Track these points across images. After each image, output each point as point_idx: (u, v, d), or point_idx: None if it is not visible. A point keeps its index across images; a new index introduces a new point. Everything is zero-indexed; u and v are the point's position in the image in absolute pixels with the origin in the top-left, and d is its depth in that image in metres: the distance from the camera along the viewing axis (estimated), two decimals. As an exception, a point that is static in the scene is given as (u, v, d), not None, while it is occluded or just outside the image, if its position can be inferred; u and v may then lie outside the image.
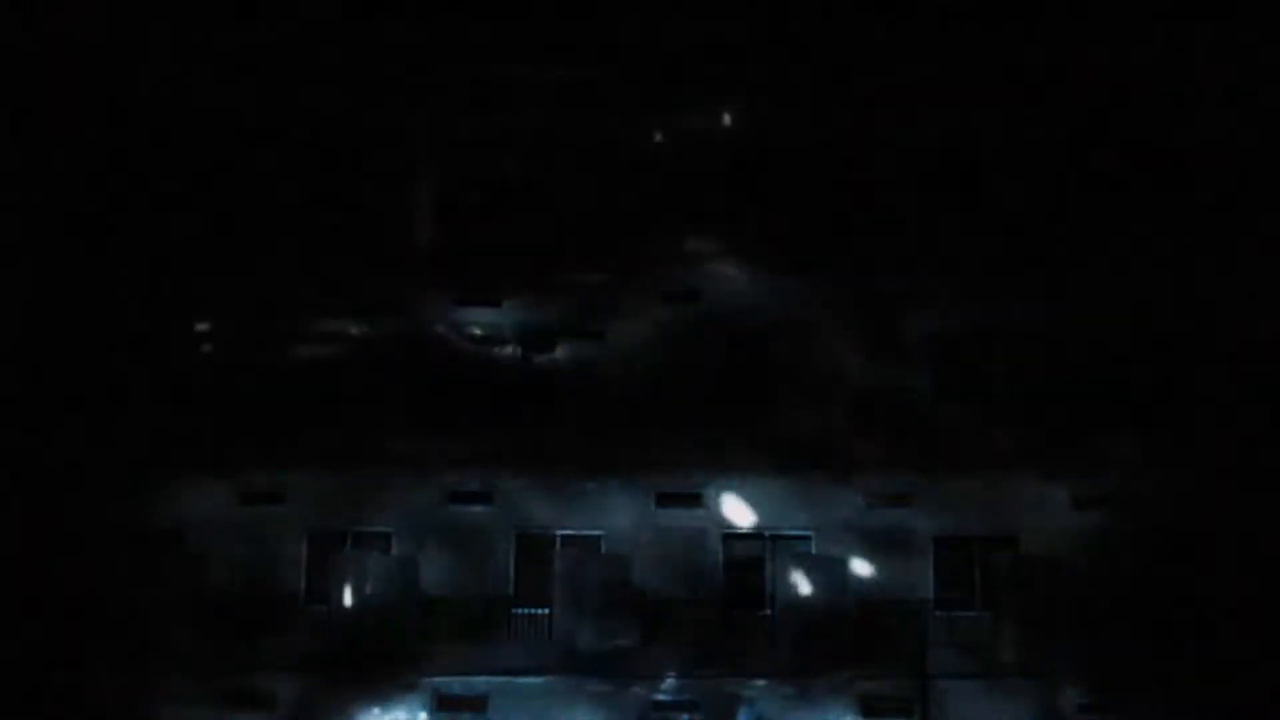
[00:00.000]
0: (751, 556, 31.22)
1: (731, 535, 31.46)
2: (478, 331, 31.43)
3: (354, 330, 31.39)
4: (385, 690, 28.87)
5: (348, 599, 28.09)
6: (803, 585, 30.46)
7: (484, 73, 31.79)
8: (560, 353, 31.94)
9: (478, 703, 29.22)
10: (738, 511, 31.17)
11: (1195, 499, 30.12)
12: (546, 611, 28.71)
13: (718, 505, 31.34)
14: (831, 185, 31.91)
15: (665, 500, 31.42)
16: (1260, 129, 31.38)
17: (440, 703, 28.71)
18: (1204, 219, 31.22)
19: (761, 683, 29.38)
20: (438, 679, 28.36)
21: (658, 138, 32.36)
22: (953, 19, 31.86)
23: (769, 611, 31.09)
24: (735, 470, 31.18)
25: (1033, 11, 31.51)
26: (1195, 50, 30.73)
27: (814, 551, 31.18)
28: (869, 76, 31.59)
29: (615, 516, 31.21)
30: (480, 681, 29.38)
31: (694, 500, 31.33)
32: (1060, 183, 31.56)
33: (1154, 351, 31.16)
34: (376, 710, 29.29)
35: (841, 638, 29.88)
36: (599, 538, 31.39)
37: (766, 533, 31.57)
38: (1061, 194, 31.85)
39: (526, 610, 28.95)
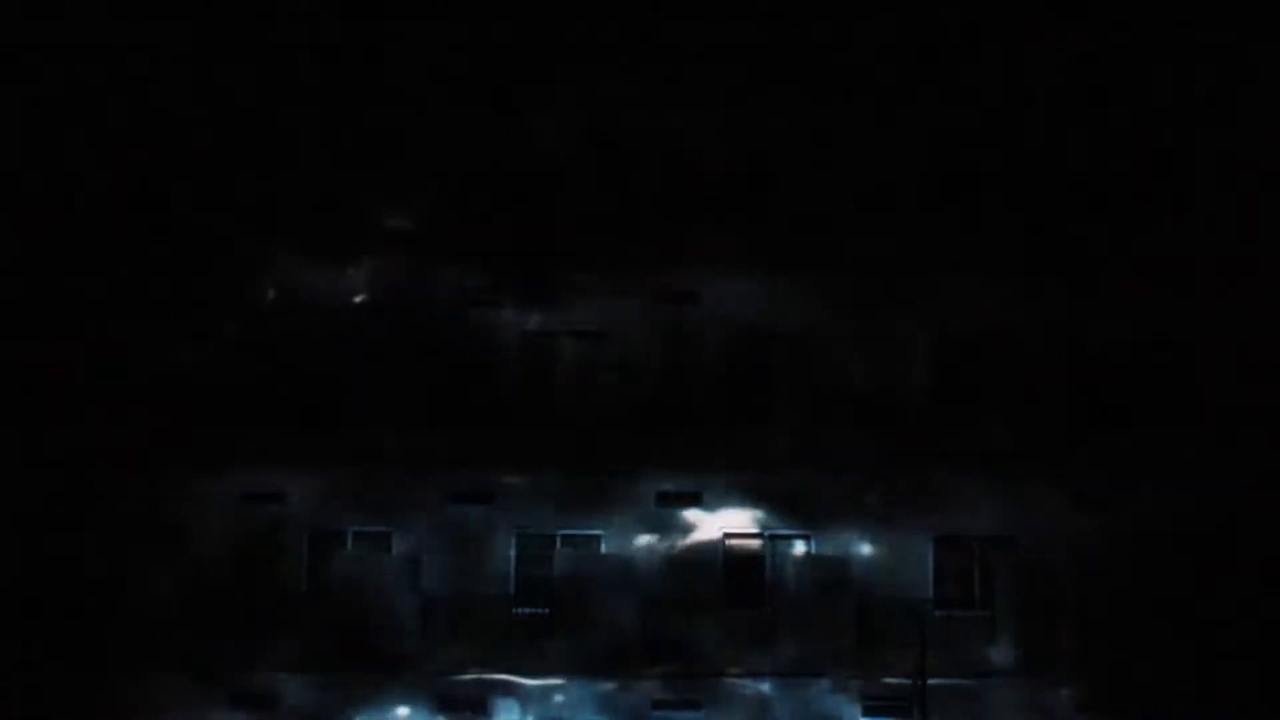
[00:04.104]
0: (751, 556, 31.13)
1: (732, 535, 31.39)
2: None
3: (355, 328, 31.44)
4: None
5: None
6: (801, 585, 30.50)
7: (488, 72, 31.89)
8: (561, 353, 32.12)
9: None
10: (737, 511, 31.11)
11: (1195, 500, 30.17)
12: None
13: (718, 505, 31.30)
14: (831, 186, 32.00)
15: (665, 500, 31.40)
16: (1260, 132, 31.38)
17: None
18: (1207, 220, 31.15)
19: (760, 682, 29.44)
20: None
21: (658, 137, 32.40)
22: (954, 20, 31.80)
23: (769, 611, 31.10)
24: (735, 470, 31.10)
25: (1034, 14, 31.44)
26: (1199, 56, 30.72)
27: (811, 551, 31.26)
28: (872, 75, 31.66)
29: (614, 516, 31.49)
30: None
31: (694, 500, 31.27)
32: (1060, 184, 31.51)
33: (1153, 354, 31.23)
34: None
35: (841, 637, 29.91)
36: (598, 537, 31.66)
37: (766, 532, 31.51)
38: (1062, 195, 31.83)
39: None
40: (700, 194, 31.30)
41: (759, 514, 31.19)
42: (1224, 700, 28.12)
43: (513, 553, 31.17)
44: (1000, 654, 30.03)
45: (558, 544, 31.16)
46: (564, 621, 29.33)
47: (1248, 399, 30.03)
